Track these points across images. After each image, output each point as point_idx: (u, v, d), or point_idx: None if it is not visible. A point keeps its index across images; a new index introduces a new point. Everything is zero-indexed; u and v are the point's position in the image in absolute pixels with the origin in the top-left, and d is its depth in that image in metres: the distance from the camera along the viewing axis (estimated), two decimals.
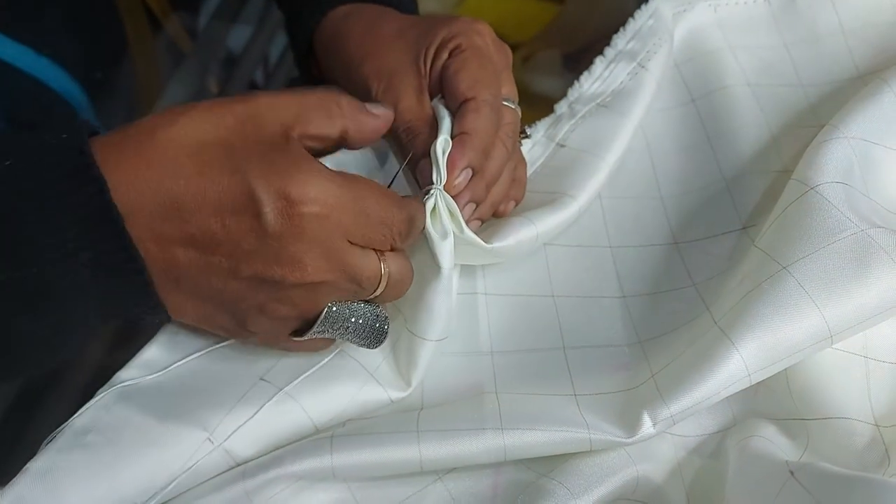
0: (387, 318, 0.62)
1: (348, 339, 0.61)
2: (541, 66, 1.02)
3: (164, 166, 0.52)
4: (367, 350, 0.64)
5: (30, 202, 0.49)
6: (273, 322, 0.58)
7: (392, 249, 0.59)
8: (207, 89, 1.07)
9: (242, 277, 0.55)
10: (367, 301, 0.60)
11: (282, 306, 0.57)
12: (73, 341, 0.55)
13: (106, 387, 0.61)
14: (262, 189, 0.52)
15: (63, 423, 0.59)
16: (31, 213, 0.49)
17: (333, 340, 0.63)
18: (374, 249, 0.58)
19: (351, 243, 0.56)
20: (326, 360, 0.64)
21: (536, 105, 0.82)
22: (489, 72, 0.67)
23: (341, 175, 0.55)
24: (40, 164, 0.50)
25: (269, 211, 0.52)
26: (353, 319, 0.60)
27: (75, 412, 0.59)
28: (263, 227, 0.52)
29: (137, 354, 0.63)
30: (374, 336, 0.61)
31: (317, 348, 0.63)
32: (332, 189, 0.54)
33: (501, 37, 1.03)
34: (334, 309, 0.58)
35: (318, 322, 0.58)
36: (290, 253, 0.53)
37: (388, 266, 0.59)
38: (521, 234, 0.67)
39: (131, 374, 0.62)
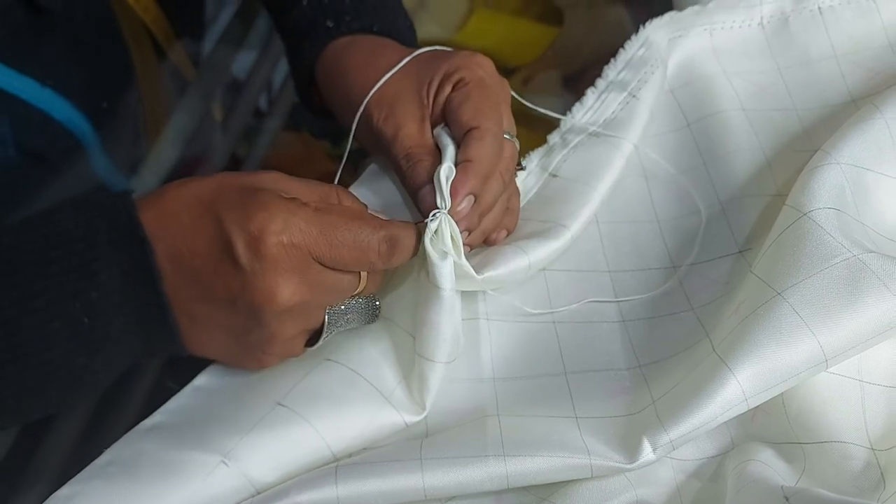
0: (376, 297, 0.68)
1: (353, 327, 0.67)
2: (541, 88, 1.03)
3: (167, 221, 0.59)
4: (382, 374, 0.66)
5: (87, 261, 0.57)
6: (286, 344, 0.64)
7: (373, 270, 0.65)
8: (212, 116, 1.08)
9: (241, 312, 0.61)
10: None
11: (284, 328, 0.62)
12: (114, 374, 0.62)
13: (131, 431, 0.63)
14: (234, 232, 0.58)
15: (67, 451, 0.60)
16: (87, 271, 0.57)
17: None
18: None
19: (326, 267, 0.61)
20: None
21: (537, 127, 0.83)
22: (492, 103, 0.69)
23: (311, 208, 0.61)
24: (98, 231, 0.58)
25: (240, 249, 0.58)
26: (349, 314, 0.66)
27: (79, 439, 0.61)
28: (240, 265, 0.58)
29: (164, 405, 0.65)
30: (371, 317, 0.68)
31: None
32: (295, 221, 0.59)
33: (502, 60, 1.04)
34: (332, 311, 0.65)
35: (325, 330, 0.64)
36: (264, 286, 0.59)
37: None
38: (513, 264, 0.69)
39: (155, 420, 0.64)
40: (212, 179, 0.62)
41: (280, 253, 0.58)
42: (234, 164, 1.10)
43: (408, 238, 0.63)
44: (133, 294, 0.58)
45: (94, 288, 0.57)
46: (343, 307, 0.65)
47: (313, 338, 0.66)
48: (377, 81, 0.71)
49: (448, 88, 0.69)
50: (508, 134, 0.70)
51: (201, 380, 0.67)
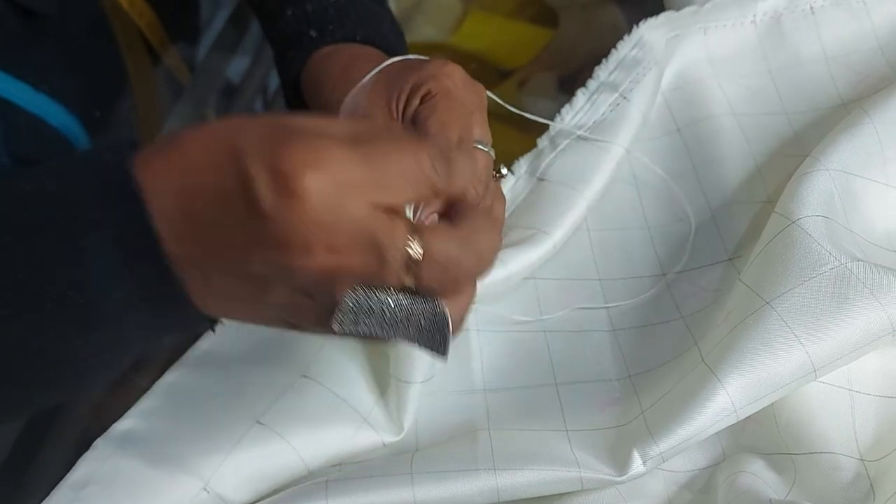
0: (444, 315, 0.51)
1: (393, 337, 0.51)
2: (537, 90, 1.03)
3: (179, 163, 0.49)
4: (359, 394, 0.65)
5: (74, 224, 0.49)
6: (303, 314, 0.52)
7: (436, 195, 0.52)
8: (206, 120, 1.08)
9: (254, 274, 0.49)
10: (410, 291, 0.51)
11: (305, 298, 0.50)
12: (121, 358, 0.55)
13: (102, 437, 0.62)
14: (254, 167, 0.47)
15: (61, 467, 0.60)
16: (76, 232, 0.49)
17: None
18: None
19: (373, 206, 0.49)
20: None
21: (533, 129, 0.83)
22: (457, 114, 0.66)
23: (349, 135, 0.49)
24: (85, 189, 0.50)
25: (261, 189, 0.46)
26: (385, 313, 0.50)
27: (73, 457, 0.61)
28: (259, 209, 0.47)
29: (135, 405, 0.64)
30: (425, 338, 0.52)
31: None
32: (326, 144, 0.48)
33: (497, 61, 1.04)
34: (354, 296, 0.49)
35: (338, 313, 0.49)
36: (292, 234, 0.47)
37: (423, 238, 0.50)
38: (491, 276, 0.68)
39: (128, 424, 0.63)
40: (237, 117, 0.50)
41: (313, 190, 0.46)
42: None
43: (466, 160, 0.53)
44: (128, 259, 0.49)
45: (81, 256, 0.49)
46: (377, 297, 0.49)
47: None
48: (351, 92, 0.70)
49: (416, 101, 0.67)
50: (481, 144, 0.68)
51: (171, 377, 0.66)
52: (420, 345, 0.52)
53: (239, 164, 0.47)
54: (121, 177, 0.48)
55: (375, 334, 0.50)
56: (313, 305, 0.50)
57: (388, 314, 0.50)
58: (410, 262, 0.49)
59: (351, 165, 0.47)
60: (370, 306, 0.49)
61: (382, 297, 0.49)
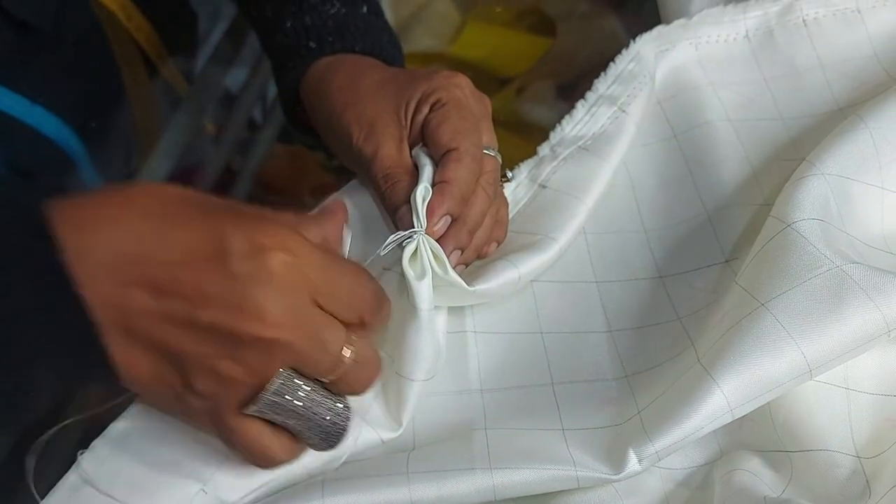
0: (348, 417, 0.58)
1: (297, 426, 0.57)
2: (535, 97, 1.03)
3: (131, 212, 0.52)
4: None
5: None
6: (221, 385, 0.54)
7: (362, 325, 0.58)
8: (204, 131, 1.09)
9: (199, 326, 0.52)
10: (325, 388, 0.57)
11: (234, 365, 0.53)
12: (35, 402, 0.55)
13: (100, 438, 0.62)
14: (232, 234, 0.52)
15: (59, 468, 0.60)
16: None
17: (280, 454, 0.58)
18: (342, 323, 0.57)
19: (318, 306, 0.55)
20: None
21: (531, 135, 0.83)
22: (469, 123, 0.69)
23: (320, 235, 0.61)
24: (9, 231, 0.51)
25: (238, 252, 0.52)
26: (304, 401, 0.55)
27: (72, 458, 0.61)
28: (230, 270, 0.51)
29: (132, 405, 0.64)
30: (324, 433, 0.58)
31: (262, 450, 0.58)
32: (302, 242, 0.54)
33: (495, 70, 1.04)
34: (286, 376, 0.54)
35: (268, 390, 0.53)
36: (253, 300, 0.52)
37: (353, 344, 0.57)
38: (504, 277, 0.68)
39: (126, 424, 0.63)
40: (196, 191, 0.55)
41: (281, 270, 0.52)
42: (229, 176, 1.10)
43: (389, 305, 0.61)
44: (47, 303, 0.50)
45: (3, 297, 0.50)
46: (299, 386, 0.55)
47: (249, 400, 0.55)
48: (357, 100, 0.72)
49: (426, 110, 0.70)
50: (490, 149, 0.71)
51: None
52: (310, 434, 0.58)
53: (216, 230, 0.52)
54: (40, 219, 0.50)
55: (286, 420, 0.56)
56: (242, 375, 0.54)
57: (303, 405, 0.56)
58: (340, 361, 0.56)
59: (313, 265, 0.55)
60: (294, 392, 0.55)
61: (307, 388, 0.56)
